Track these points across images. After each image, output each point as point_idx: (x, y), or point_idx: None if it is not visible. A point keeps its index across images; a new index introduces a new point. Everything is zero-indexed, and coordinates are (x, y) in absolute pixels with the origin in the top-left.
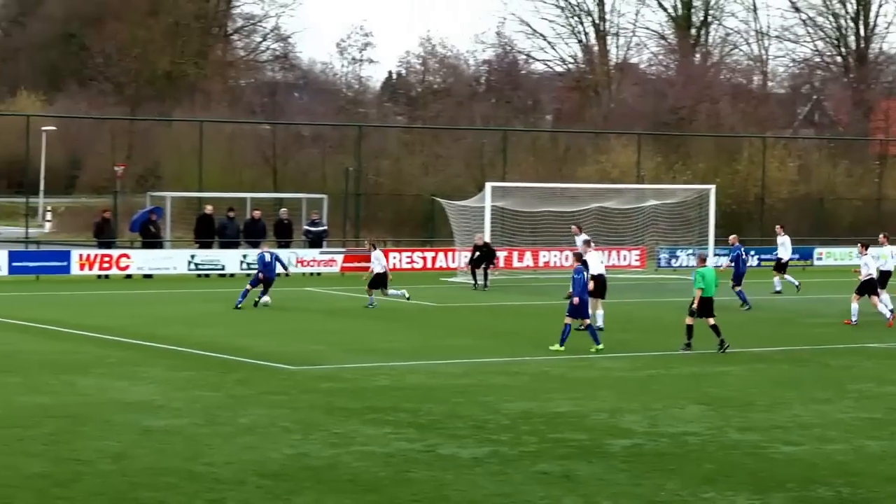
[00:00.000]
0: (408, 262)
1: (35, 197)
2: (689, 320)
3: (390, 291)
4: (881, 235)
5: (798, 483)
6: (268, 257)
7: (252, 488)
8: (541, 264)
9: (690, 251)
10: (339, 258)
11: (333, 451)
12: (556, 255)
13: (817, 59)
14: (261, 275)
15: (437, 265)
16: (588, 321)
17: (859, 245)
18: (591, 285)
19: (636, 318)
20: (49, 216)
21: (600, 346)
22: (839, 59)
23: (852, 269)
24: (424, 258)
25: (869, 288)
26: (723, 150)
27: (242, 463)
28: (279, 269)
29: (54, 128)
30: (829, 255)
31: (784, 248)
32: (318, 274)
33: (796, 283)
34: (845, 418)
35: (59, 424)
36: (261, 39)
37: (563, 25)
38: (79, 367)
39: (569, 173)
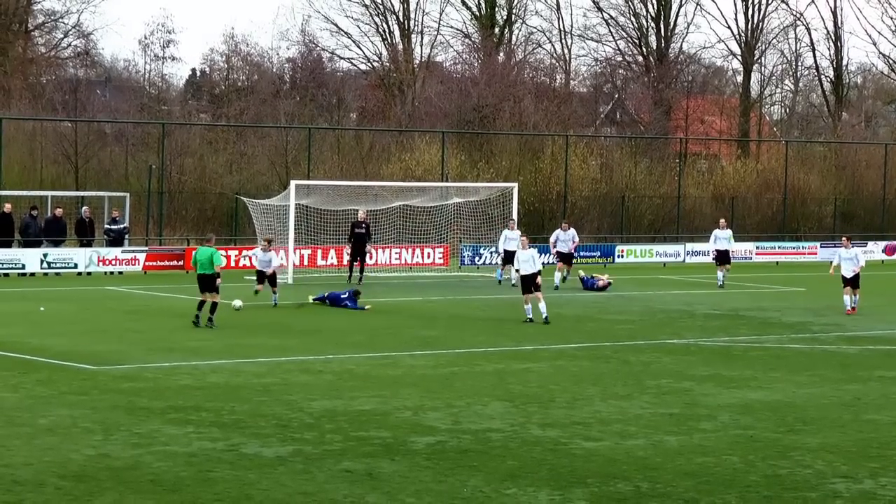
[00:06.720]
0: None
1: None
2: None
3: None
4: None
5: (598, 478)
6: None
7: (52, 490)
8: (345, 262)
9: (493, 249)
10: (142, 257)
11: (135, 452)
12: None
13: (619, 59)
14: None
15: (241, 264)
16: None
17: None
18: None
19: (440, 315)
20: None
21: None
22: (640, 58)
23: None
24: (228, 256)
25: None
26: (526, 148)
27: (42, 464)
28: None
29: None
30: (629, 253)
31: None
32: (121, 273)
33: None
34: (644, 413)
35: None
36: (62, 36)
37: (367, 24)
38: None
39: (373, 171)
